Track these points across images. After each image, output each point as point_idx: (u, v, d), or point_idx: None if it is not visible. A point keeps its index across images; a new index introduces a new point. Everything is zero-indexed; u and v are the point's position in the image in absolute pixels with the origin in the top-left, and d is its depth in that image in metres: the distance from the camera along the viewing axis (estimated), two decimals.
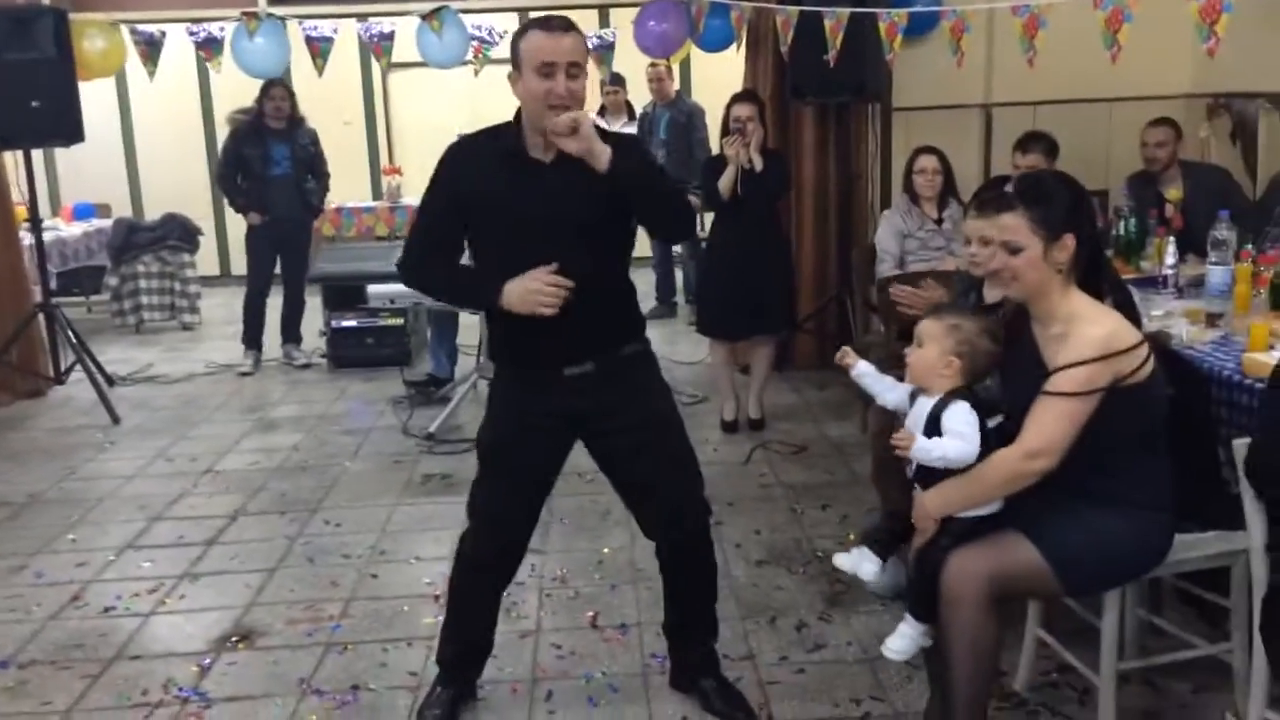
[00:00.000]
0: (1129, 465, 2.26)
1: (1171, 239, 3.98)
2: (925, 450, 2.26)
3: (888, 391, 2.54)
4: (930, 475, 2.31)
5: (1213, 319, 3.35)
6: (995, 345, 2.34)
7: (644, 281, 8.00)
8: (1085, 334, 2.17)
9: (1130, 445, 2.25)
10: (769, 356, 5.08)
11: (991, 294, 3.16)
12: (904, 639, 2.38)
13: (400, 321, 6.51)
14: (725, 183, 4.70)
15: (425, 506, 4.29)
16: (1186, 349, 3.05)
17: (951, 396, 2.30)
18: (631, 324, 2.64)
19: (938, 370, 2.32)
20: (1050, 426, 2.18)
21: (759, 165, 4.66)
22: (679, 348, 6.56)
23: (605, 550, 3.79)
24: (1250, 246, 3.62)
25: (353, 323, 6.54)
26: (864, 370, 2.57)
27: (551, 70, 2.35)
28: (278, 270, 6.71)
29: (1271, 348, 2.94)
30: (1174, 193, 4.40)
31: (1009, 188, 2.32)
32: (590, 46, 6.83)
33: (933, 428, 2.30)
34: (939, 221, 4.79)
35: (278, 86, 6.35)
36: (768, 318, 4.91)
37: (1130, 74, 4.72)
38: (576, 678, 2.97)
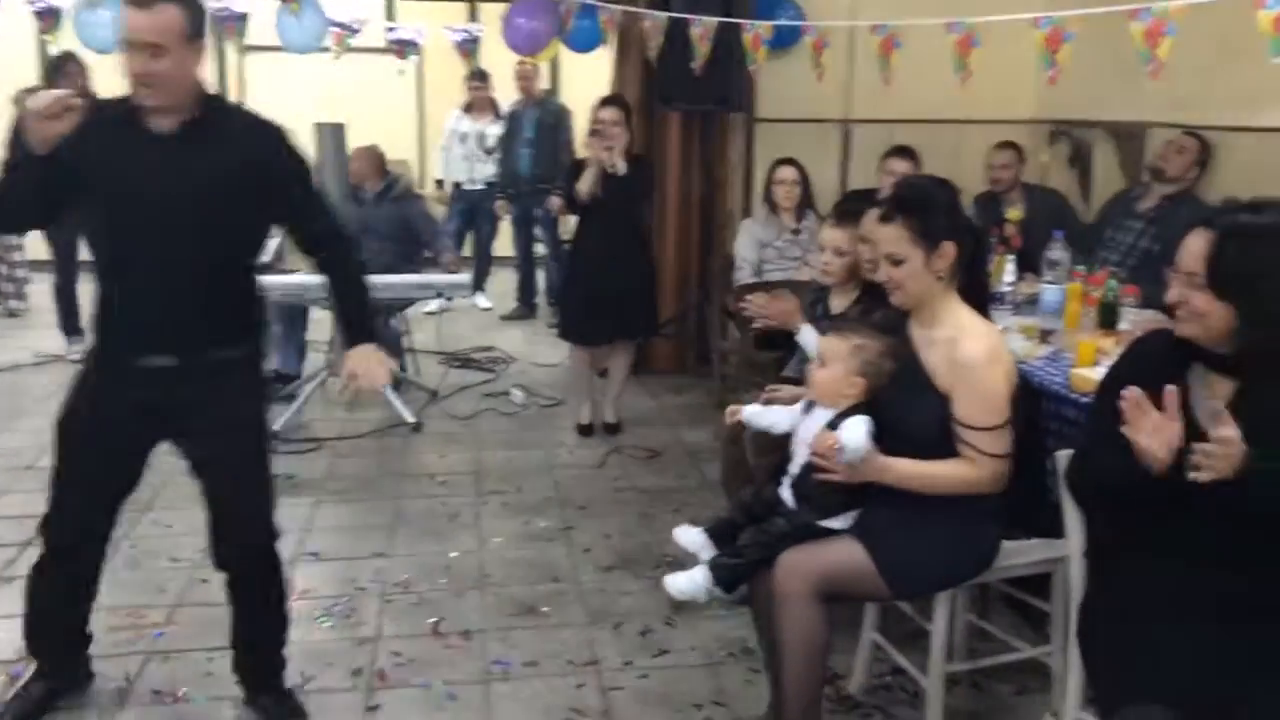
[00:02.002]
0: None
1: (1011, 257, 4.15)
2: (854, 448, 2.25)
3: (780, 421, 2.58)
4: (806, 489, 2.37)
5: (1045, 335, 3.50)
6: (894, 365, 2.39)
7: (505, 281, 7.99)
8: (972, 352, 2.24)
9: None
10: (627, 362, 5.08)
11: (837, 303, 3.23)
12: (690, 581, 2.42)
13: None
14: (585, 185, 4.68)
15: None
16: (1020, 364, 3.17)
17: (850, 412, 2.35)
18: (235, 327, 2.50)
19: (841, 390, 2.37)
20: (993, 462, 2.28)
21: (622, 169, 4.66)
22: (538, 350, 6.51)
23: (452, 555, 3.71)
24: (1082, 267, 3.79)
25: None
26: (751, 413, 2.61)
27: (131, 48, 2.24)
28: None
29: (1097, 364, 3.09)
30: (1014, 213, 4.59)
31: (885, 193, 2.40)
32: (455, 41, 6.78)
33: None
34: (796, 232, 4.88)
35: (72, 62, 5.71)
36: (628, 324, 4.91)
37: (980, 98, 4.89)
38: (414, 686, 2.89)
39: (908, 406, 2.33)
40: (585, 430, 5.03)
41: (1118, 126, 5.22)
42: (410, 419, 5.11)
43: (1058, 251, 3.77)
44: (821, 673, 2.36)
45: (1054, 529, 2.57)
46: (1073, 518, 2.12)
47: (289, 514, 4.00)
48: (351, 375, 2.51)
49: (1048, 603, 2.62)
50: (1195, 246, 1.85)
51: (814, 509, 2.38)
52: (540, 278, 7.65)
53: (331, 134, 4.94)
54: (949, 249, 2.29)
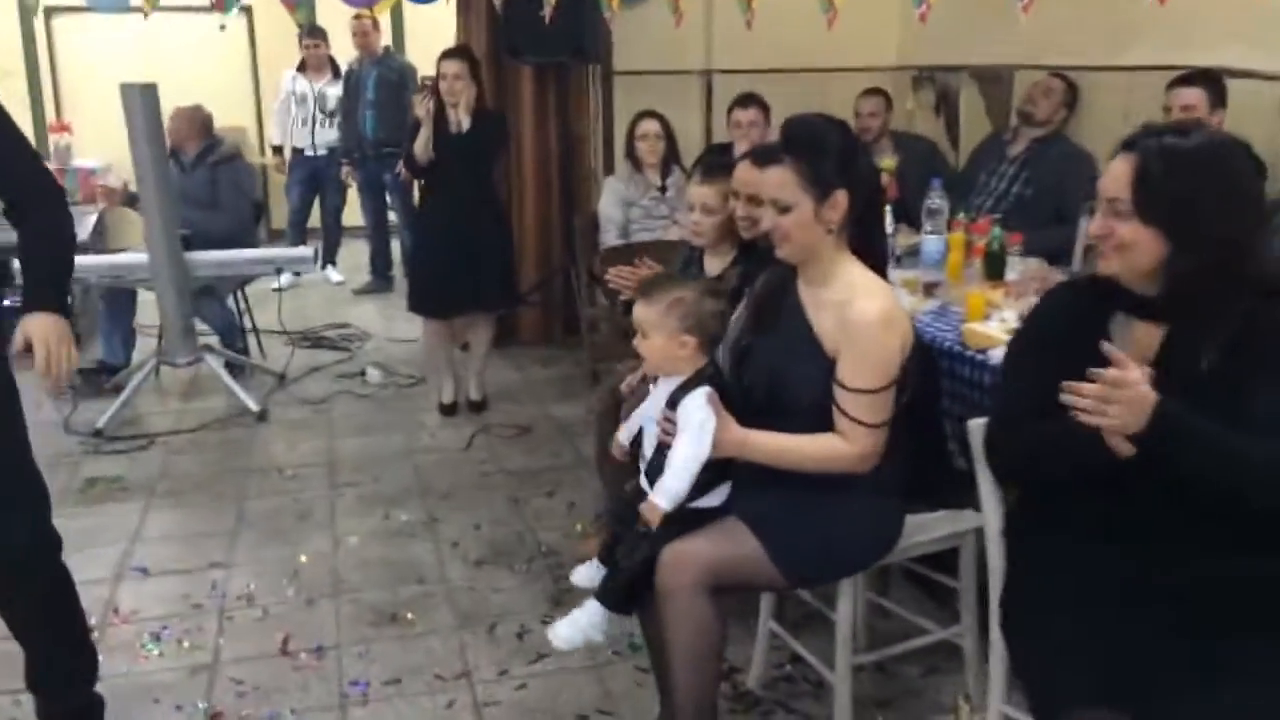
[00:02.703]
0: None
1: (887, 208, 3.97)
2: (670, 495, 2.06)
3: (641, 419, 2.28)
4: (661, 470, 2.09)
5: (929, 288, 3.33)
6: (719, 302, 2.17)
7: (358, 253, 7.50)
8: (865, 312, 2.01)
9: None
10: (489, 334, 4.74)
11: (712, 265, 2.98)
12: (573, 627, 2.16)
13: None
14: (419, 145, 4.31)
15: (87, 518, 3.65)
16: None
17: (692, 382, 2.10)
18: None
19: (674, 355, 2.12)
20: (871, 434, 2.04)
21: (466, 125, 4.29)
22: (396, 324, 6.09)
23: (302, 559, 3.34)
24: (962, 216, 3.63)
25: (8, 301, 5.62)
26: (628, 435, 2.31)
27: None
28: None
29: (988, 318, 2.92)
30: (887, 162, 4.40)
31: (741, 148, 2.13)
32: None
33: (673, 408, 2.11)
34: (662, 189, 4.61)
35: None
36: (485, 294, 4.56)
37: (843, 45, 4.68)
38: (259, 718, 2.54)
39: (795, 373, 2.10)
40: (448, 410, 4.69)
41: (983, 70, 5.10)
42: (254, 407, 4.67)
43: (936, 200, 3.59)
44: (716, 671, 2.12)
45: (956, 499, 2.41)
46: (989, 493, 1.91)
47: (114, 523, 3.58)
48: (26, 346, 2.09)
49: (954, 578, 2.43)
50: (1119, 171, 1.64)
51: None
52: (396, 248, 7.19)
53: (141, 95, 4.40)
54: (841, 199, 2.05)
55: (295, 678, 2.69)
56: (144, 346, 5.25)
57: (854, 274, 2.09)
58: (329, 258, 7.32)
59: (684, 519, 2.10)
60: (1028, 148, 4.25)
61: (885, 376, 2.02)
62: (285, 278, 5.89)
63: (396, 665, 2.74)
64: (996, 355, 2.58)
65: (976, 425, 1.90)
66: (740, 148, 4.13)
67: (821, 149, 2.05)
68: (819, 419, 2.07)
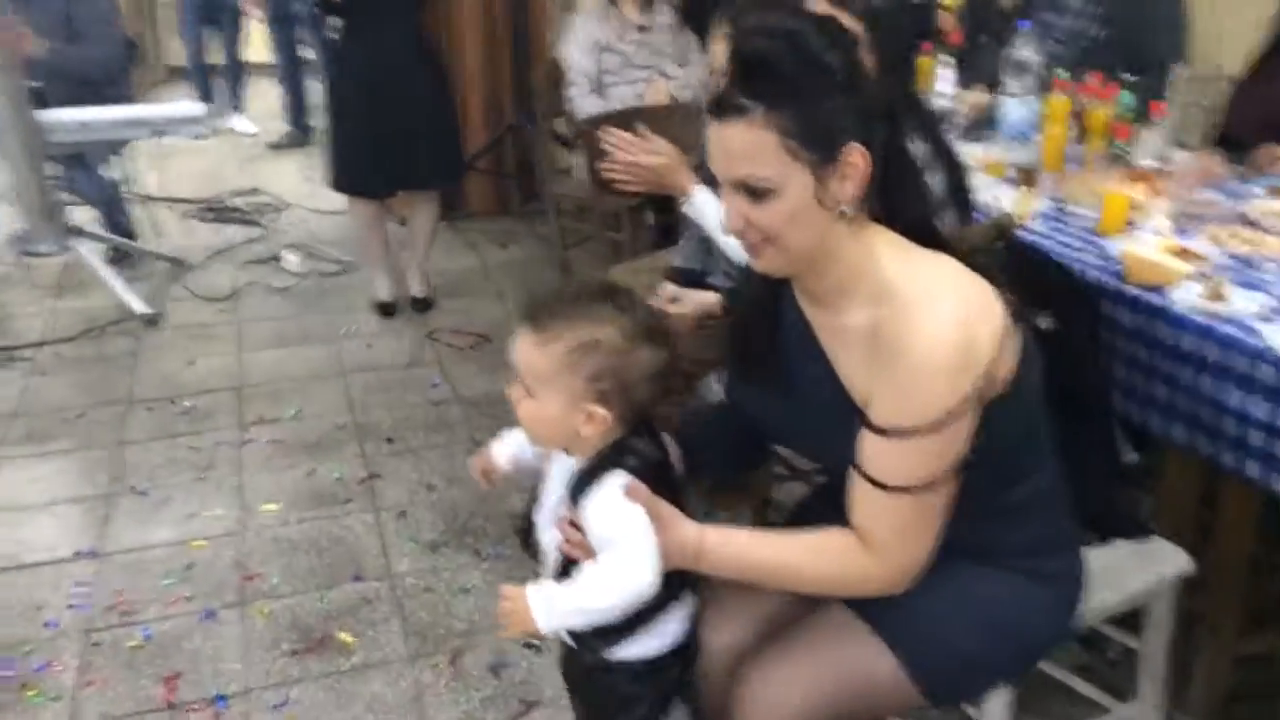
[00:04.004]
0: (1004, 495, 1.30)
1: (948, 59, 3.09)
2: (562, 618, 1.23)
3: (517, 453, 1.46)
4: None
5: (1028, 176, 2.50)
6: (659, 353, 1.27)
7: (269, 98, 6.39)
8: (916, 347, 1.15)
9: (1006, 467, 1.29)
10: (432, 213, 3.82)
11: None
12: None
13: None
14: None
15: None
16: (1020, 232, 2.16)
17: (602, 466, 1.25)
18: None
19: (570, 429, 1.25)
20: (917, 526, 1.21)
21: None
22: (318, 190, 5.07)
23: (198, 544, 2.53)
24: (1064, 72, 2.73)
25: None
26: (507, 459, 1.46)
27: None
28: None
29: (1130, 228, 2.12)
30: None
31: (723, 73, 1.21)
32: None
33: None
34: (644, 29, 3.67)
35: None
36: (424, 166, 3.60)
37: None
38: None
39: (826, 440, 1.29)
40: (386, 310, 3.81)
41: None
42: (140, 310, 3.75)
43: (1026, 49, 2.72)
44: None
45: (1136, 522, 1.67)
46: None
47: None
48: None
49: (1130, 632, 1.71)
50: None
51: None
52: (314, 91, 6.10)
53: None
54: (856, 156, 1.18)
55: None
56: (8, 221, 4.24)
57: (887, 268, 1.21)
58: (235, 103, 6.23)
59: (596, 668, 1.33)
60: None
61: (936, 409, 1.16)
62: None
63: None
64: (1181, 299, 1.79)
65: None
66: None
67: (808, 75, 1.16)
68: None
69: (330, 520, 2.61)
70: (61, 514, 2.64)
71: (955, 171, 2.01)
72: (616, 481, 1.22)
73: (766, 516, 2.24)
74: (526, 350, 1.25)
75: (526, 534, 1.39)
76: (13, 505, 2.67)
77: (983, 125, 2.88)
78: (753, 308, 1.37)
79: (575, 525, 1.26)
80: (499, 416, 3.08)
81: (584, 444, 1.26)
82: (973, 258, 1.27)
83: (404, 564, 2.44)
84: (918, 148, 1.92)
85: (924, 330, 1.15)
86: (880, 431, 1.17)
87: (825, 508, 1.29)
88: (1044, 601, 1.36)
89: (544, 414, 1.25)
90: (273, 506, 2.66)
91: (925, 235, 1.25)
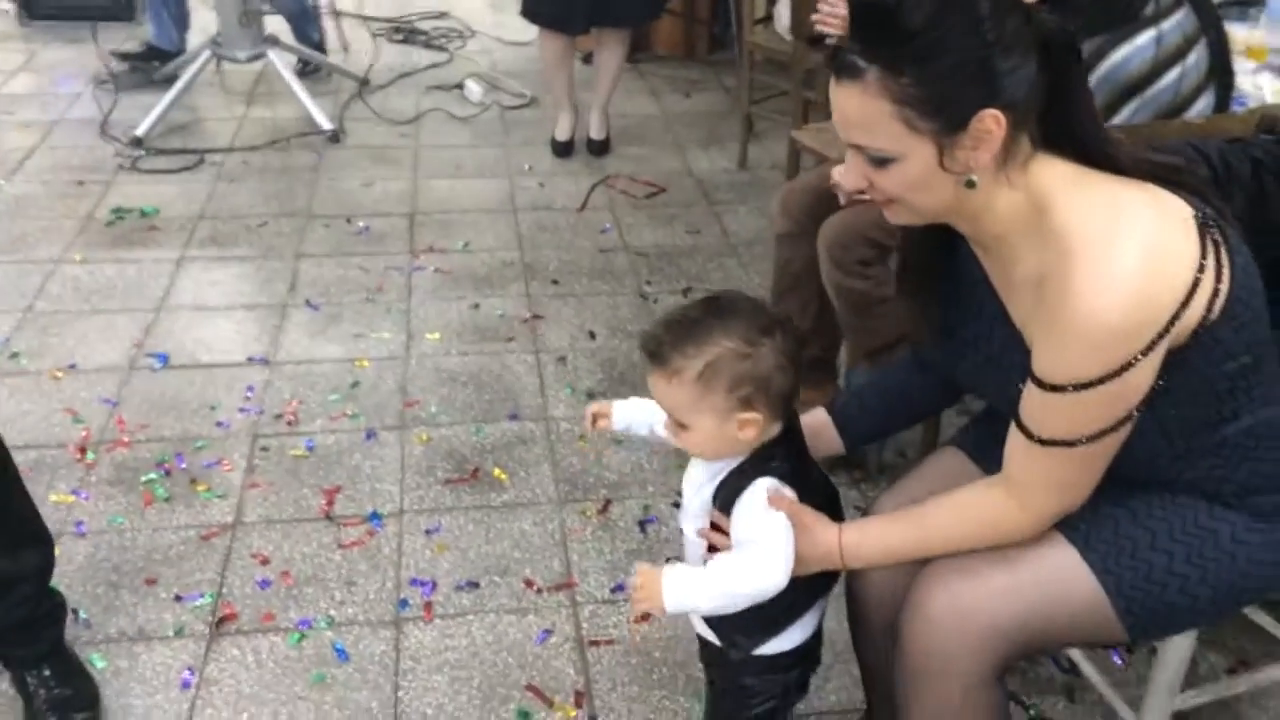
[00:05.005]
0: (1221, 429, 1.16)
1: None
2: (690, 606, 1.23)
3: (636, 421, 1.44)
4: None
5: None
6: (778, 338, 1.21)
7: None
8: (1082, 308, 1.02)
9: (1221, 402, 1.15)
10: (621, 53, 3.67)
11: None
12: None
13: None
14: None
15: (99, 271, 2.90)
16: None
17: (750, 472, 1.23)
18: None
19: (733, 439, 1.22)
20: (1066, 478, 1.14)
21: None
22: (508, 19, 4.96)
23: (364, 365, 2.56)
24: None
25: None
26: (627, 418, 1.44)
27: None
28: None
29: None
30: None
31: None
32: None
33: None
34: None
35: None
36: (621, 4, 3.44)
37: None
38: (265, 631, 1.83)
39: (1007, 390, 1.17)
40: (562, 149, 3.72)
41: None
42: (326, 126, 3.77)
43: None
44: None
45: None
46: None
47: (134, 282, 2.85)
48: None
49: None
50: None
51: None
52: None
53: None
54: (991, 124, 1.01)
55: (338, 562, 1.97)
56: (204, 27, 4.30)
57: (1062, 211, 1.05)
58: None
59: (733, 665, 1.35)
60: None
61: (1105, 364, 1.04)
62: None
63: (475, 558, 1.99)
64: None
65: None
66: None
67: (934, 36, 0.99)
68: None
69: (491, 356, 2.60)
70: (238, 319, 2.71)
71: (1220, 50, 1.77)
72: (762, 486, 1.22)
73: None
74: (662, 390, 1.22)
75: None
76: (194, 305, 2.76)
77: (1250, 3, 2.54)
78: (921, 252, 1.25)
79: (718, 528, 1.25)
80: (665, 270, 3.00)
81: (748, 446, 1.23)
82: (1175, 167, 1.11)
83: (560, 409, 2.42)
84: (1184, 21, 1.69)
85: (1092, 285, 1.01)
86: (1040, 383, 1.08)
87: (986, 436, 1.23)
88: (1269, 538, 1.21)
89: (703, 437, 1.22)
90: (436, 336, 2.67)
91: (1103, 161, 1.08)
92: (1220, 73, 1.77)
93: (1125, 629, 1.20)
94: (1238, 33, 2.38)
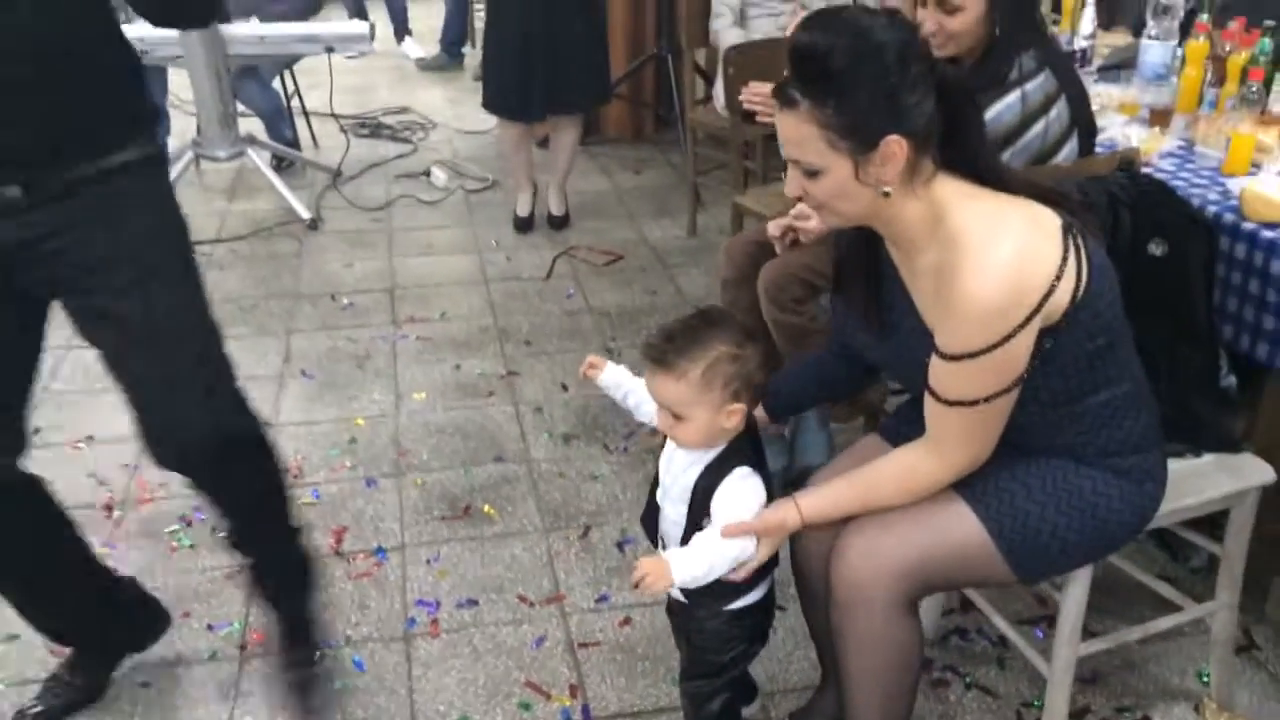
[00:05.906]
0: (1085, 400, 1.46)
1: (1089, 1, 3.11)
2: (688, 577, 1.47)
3: (625, 386, 1.74)
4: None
5: (1160, 117, 2.56)
6: (759, 341, 1.54)
7: (432, 14, 6.64)
8: (972, 289, 1.31)
9: (1083, 377, 1.44)
10: (574, 135, 4.02)
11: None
12: None
13: None
14: None
15: None
16: (1145, 169, 2.24)
17: (728, 461, 1.51)
18: (111, 123, 1.55)
19: (721, 428, 1.50)
20: (972, 432, 1.43)
21: None
22: (465, 111, 5.37)
23: (358, 422, 2.82)
24: (1204, 15, 2.76)
25: None
26: (614, 380, 1.74)
27: None
28: None
29: (1254, 170, 2.18)
30: None
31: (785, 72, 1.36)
32: None
33: (702, 500, 1.52)
34: None
35: None
36: (574, 92, 3.80)
37: None
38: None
39: (913, 368, 1.46)
40: (523, 224, 4.04)
41: None
42: (305, 214, 4.07)
43: None
44: (911, 699, 1.57)
45: (1230, 437, 1.78)
46: None
47: None
48: None
49: (1210, 537, 1.82)
50: None
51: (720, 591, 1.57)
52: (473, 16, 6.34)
53: None
54: (895, 147, 1.32)
55: (351, 590, 2.21)
56: (183, 131, 4.61)
57: (955, 217, 1.36)
58: (401, 28, 6.50)
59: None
60: None
61: (994, 333, 1.33)
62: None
63: (472, 580, 2.24)
64: None
65: None
66: None
67: (850, 75, 1.30)
68: None
69: (474, 409, 2.87)
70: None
71: (1079, 105, 2.11)
72: (738, 474, 1.49)
73: (879, 423, 2.39)
74: (666, 387, 1.47)
75: (653, 523, 1.65)
76: None
77: (1123, 66, 2.92)
78: (850, 254, 1.56)
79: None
80: (627, 328, 3.30)
81: (729, 435, 1.51)
82: (1049, 188, 1.43)
83: (540, 451, 2.69)
84: (1046, 83, 2.02)
85: (976, 273, 1.31)
86: (941, 355, 1.37)
87: (914, 419, 1.50)
88: (1124, 492, 1.50)
89: (696, 427, 1.48)
90: (422, 395, 2.94)
91: (992, 180, 1.39)
92: (1083, 123, 2.12)
93: (1010, 568, 1.49)
94: (1113, 91, 2.77)
